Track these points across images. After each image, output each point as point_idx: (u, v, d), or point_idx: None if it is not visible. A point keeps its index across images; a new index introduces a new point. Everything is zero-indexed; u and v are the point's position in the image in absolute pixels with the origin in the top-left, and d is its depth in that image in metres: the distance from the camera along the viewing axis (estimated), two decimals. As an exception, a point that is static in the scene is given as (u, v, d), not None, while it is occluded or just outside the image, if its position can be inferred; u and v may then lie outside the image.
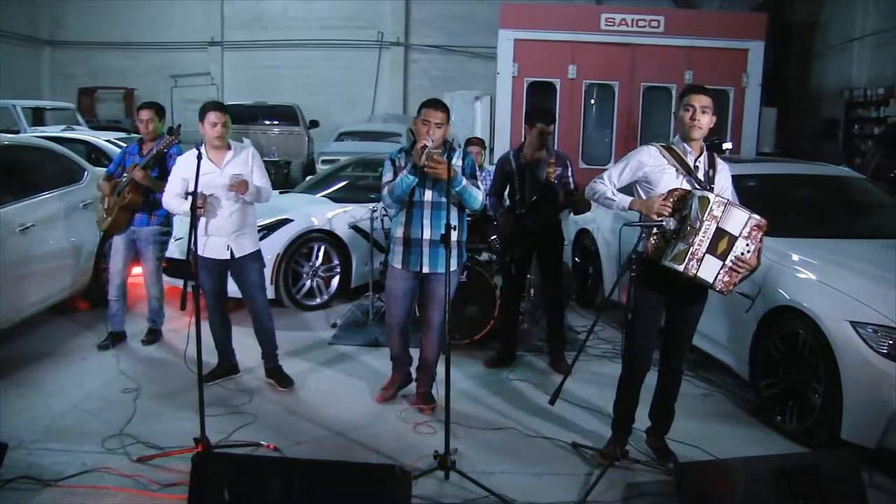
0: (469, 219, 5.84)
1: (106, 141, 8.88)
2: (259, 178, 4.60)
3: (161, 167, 5.31)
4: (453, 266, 4.30)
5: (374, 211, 6.11)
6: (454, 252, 4.28)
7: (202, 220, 4.26)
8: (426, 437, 4.15)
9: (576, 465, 3.87)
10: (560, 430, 4.26)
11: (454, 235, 4.22)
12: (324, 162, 13.11)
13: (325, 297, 6.76)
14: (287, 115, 15.31)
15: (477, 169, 4.42)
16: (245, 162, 4.57)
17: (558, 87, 12.00)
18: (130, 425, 4.13)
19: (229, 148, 4.54)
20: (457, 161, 4.22)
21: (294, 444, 3.97)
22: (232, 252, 4.52)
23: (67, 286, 5.87)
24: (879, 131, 9.11)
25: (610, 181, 3.75)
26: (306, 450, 3.92)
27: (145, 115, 5.41)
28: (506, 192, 5.33)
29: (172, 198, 4.54)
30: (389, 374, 4.79)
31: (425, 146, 4.05)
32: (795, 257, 4.47)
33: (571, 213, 5.88)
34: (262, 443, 3.91)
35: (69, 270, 5.83)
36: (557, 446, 4.06)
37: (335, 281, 6.83)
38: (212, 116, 4.42)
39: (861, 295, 3.98)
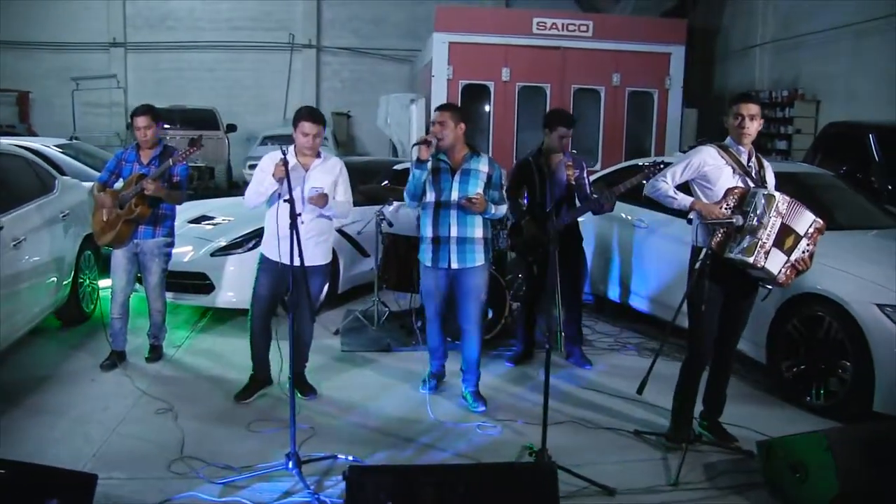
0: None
1: (47, 147, 8.24)
2: (342, 193, 4.50)
3: (166, 177, 5.04)
4: (481, 262, 4.48)
5: (378, 215, 6.07)
6: (481, 248, 4.47)
7: (275, 223, 4.11)
8: (494, 436, 4.22)
9: (646, 451, 4.05)
10: (613, 419, 4.44)
11: (480, 232, 4.47)
12: (251, 166, 12.79)
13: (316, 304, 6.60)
14: (206, 119, 14.74)
15: (503, 179, 4.60)
16: (331, 171, 4.44)
17: (492, 89, 12.25)
18: (186, 447, 3.93)
19: (318, 155, 4.40)
20: (483, 167, 4.44)
21: (370, 452, 3.92)
22: (302, 260, 4.36)
23: (52, 303, 5.49)
24: (817, 134, 9.87)
25: (672, 179, 3.94)
26: (385, 458, 3.88)
27: (142, 121, 5.06)
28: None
29: (254, 194, 4.32)
30: (420, 375, 4.91)
31: (427, 141, 4.25)
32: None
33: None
34: (339, 455, 3.82)
35: (54, 286, 5.44)
36: (621, 435, 4.23)
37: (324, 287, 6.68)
38: (305, 127, 4.25)
39: (878, 279, 4.40)
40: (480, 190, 4.35)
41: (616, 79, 12.31)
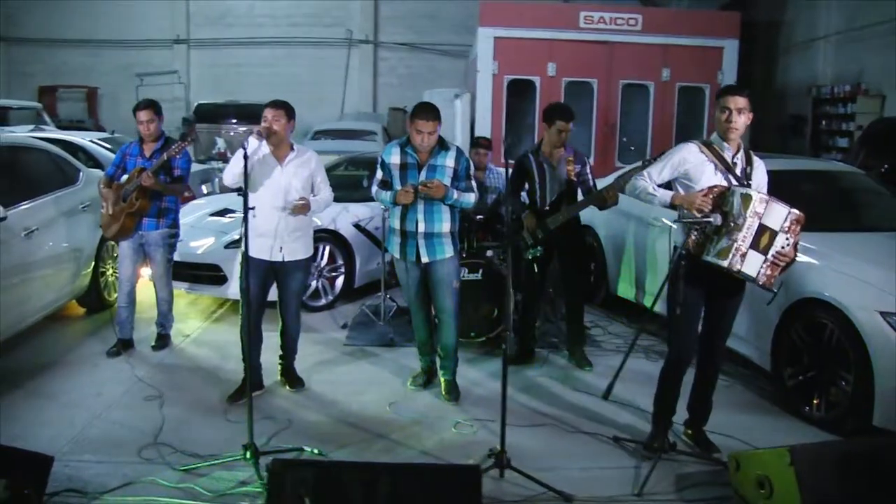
0: (480, 217, 5.94)
1: (90, 142, 8.59)
2: (322, 185, 4.56)
3: (167, 170, 5.17)
4: (450, 253, 4.52)
5: (385, 210, 6.04)
6: (449, 240, 4.51)
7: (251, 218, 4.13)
8: (467, 435, 4.16)
9: (621, 458, 3.91)
10: (597, 424, 4.29)
11: (447, 227, 4.50)
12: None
13: (331, 297, 6.67)
14: (259, 113, 14.93)
15: (472, 168, 4.67)
16: (307, 164, 4.48)
17: (538, 84, 12.07)
18: (162, 434, 4.02)
19: (292, 148, 4.45)
20: (449, 161, 4.45)
21: (338, 447, 3.92)
22: (283, 255, 4.41)
23: (68, 292, 5.70)
24: (863, 129, 9.36)
25: (651, 178, 3.80)
26: (351, 453, 3.88)
27: (144, 115, 5.24)
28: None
29: (229, 174, 4.30)
30: (412, 371, 4.98)
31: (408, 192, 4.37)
32: (816, 250, 4.56)
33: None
34: (306, 447, 3.84)
35: (70, 275, 5.65)
36: (599, 441, 4.09)
37: (339, 281, 6.75)
38: (266, 113, 4.35)
39: (886, 285, 4.11)
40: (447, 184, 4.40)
41: (666, 73, 11.95)
